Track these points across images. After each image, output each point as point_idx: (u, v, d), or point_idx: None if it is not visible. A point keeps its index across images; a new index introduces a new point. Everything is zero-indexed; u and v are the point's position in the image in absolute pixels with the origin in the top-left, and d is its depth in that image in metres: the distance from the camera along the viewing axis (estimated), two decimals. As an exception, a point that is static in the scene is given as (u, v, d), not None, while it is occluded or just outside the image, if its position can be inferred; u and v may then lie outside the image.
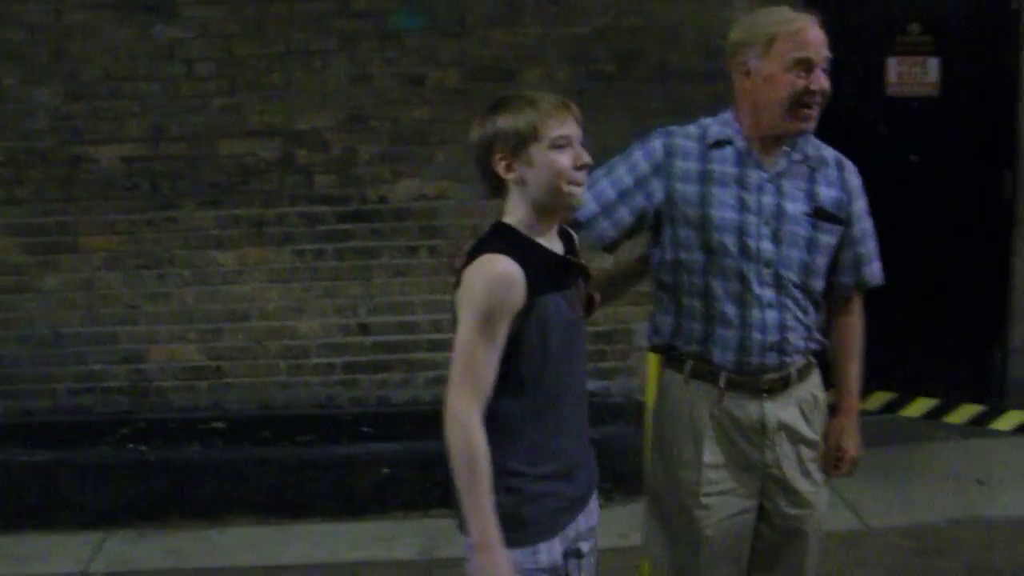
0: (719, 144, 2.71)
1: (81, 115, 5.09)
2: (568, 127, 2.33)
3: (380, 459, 4.88)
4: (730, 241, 2.64)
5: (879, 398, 3.68)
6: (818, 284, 2.75)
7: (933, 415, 3.65)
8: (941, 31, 5.54)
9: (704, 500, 2.71)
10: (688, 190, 2.69)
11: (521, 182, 2.34)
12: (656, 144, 2.75)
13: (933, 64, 5.55)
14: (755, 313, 2.65)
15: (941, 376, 5.78)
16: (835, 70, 5.39)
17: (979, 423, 3.76)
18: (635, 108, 5.16)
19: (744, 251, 2.65)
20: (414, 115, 5.14)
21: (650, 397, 3.29)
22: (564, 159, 2.31)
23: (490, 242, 2.35)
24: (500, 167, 2.34)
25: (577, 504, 2.47)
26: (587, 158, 2.36)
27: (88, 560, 4.57)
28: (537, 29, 5.14)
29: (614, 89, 5.18)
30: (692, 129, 2.76)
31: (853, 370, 2.92)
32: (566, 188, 2.32)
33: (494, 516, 2.23)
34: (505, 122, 2.32)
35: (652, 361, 3.32)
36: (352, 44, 5.11)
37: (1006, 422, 3.54)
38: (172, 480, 4.87)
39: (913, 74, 5.55)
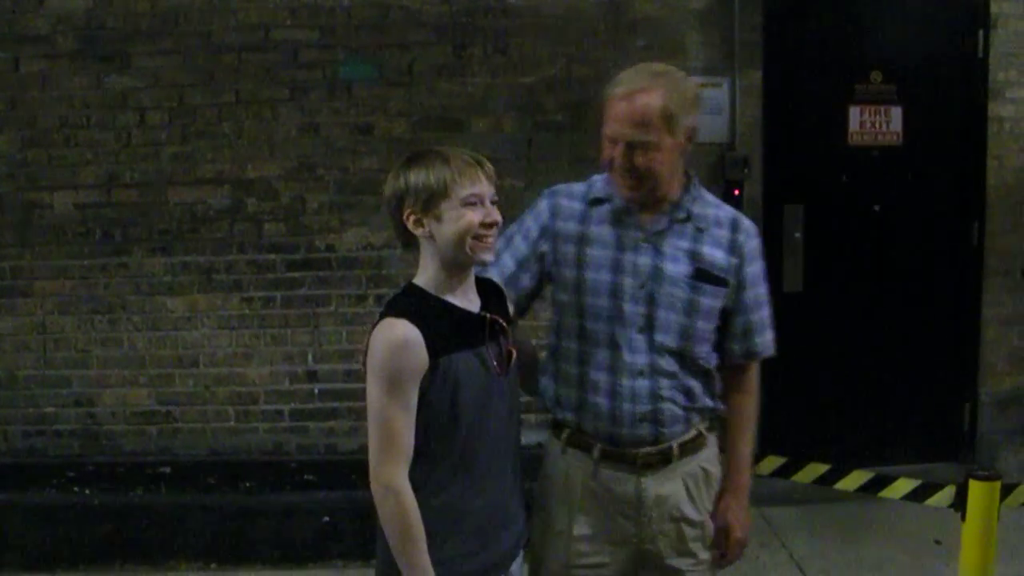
0: (599, 201, 2.64)
1: (37, 162, 5.19)
2: (479, 185, 2.34)
3: (322, 507, 4.86)
4: (603, 304, 2.56)
5: (856, 478, 3.63)
6: (701, 349, 2.62)
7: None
8: (904, 80, 5.46)
9: (573, 572, 2.64)
10: (567, 251, 2.62)
11: (430, 237, 2.34)
12: (542, 206, 2.72)
13: (896, 113, 5.46)
14: (625, 382, 2.55)
15: (906, 433, 5.69)
16: (795, 119, 5.40)
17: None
18: (584, 158, 5.13)
19: (616, 315, 2.56)
20: (362, 164, 5.17)
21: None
22: (473, 216, 2.31)
23: (395, 304, 2.36)
24: (409, 222, 2.34)
25: (497, 566, 2.45)
26: (496, 216, 2.36)
27: (27, 602, 4.63)
28: (485, 79, 5.16)
29: (563, 139, 5.19)
30: (579, 187, 2.70)
31: (743, 445, 2.79)
32: (471, 243, 2.32)
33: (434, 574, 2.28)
34: (417, 178, 2.32)
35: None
36: (301, 94, 5.16)
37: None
38: (116, 524, 4.87)
39: (876, 123, 5.47)
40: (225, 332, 5.28)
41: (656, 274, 2.57)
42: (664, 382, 2.57)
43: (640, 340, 2.56)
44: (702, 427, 2.69)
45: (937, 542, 4.84)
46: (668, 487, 2.62)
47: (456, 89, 5.16)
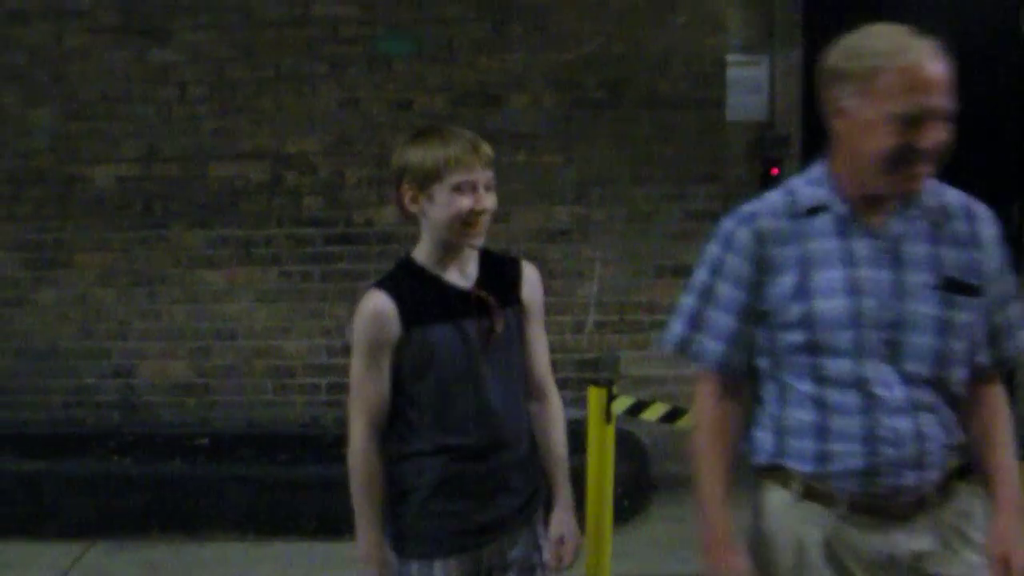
0: (814, 211, 2.19)
1: (78, 135, 5.24)
2: (473, 172, 2.36)
3: (358, 481, 4.89)
4: (843, 337, 2.12)
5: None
6: (958, 375, 2.17)
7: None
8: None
9: None
10: (787, 282, 2.17)
11: (424, 215, 2.40)
12: (743, 235, 2.23)
13: (937, 92, 5.40)
14: (884, 422, 2.11)
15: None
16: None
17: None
18: (623, 135, 5.16)
19: (861, 347, 2.12)
20: (401, 140, 5.15)
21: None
22: (464, 202, 2.34)
23: (386, 276, 2.47)
24: (406, 198, 2.40)
25: (492, 528, 2.48)
26: (486, 203, 2.39)
27: (66, 570, 4.66)
28: (524, 55, 5.15)
29: (602, 116, 5.17)
30: (777, 200, 2.24)
31: (1004, 459, 2.26)
32: (462, 229, 2.37)
33: (380, 533, 2.43)
34: (415, 157, 2.37)
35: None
36: (341, 69, 5.18)
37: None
38: (154, 494, 4.95)
39: (916, 102, 5.41)
40: (263, 306, 5.32)
41: (899, 291, 2.13)
42: (926, 418, 2.14)
43: (889, 372, 2.13)
44: (953, 466, 2.25)
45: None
46: (922, 541, 2.19)
47: (495, 65, 5.16)
